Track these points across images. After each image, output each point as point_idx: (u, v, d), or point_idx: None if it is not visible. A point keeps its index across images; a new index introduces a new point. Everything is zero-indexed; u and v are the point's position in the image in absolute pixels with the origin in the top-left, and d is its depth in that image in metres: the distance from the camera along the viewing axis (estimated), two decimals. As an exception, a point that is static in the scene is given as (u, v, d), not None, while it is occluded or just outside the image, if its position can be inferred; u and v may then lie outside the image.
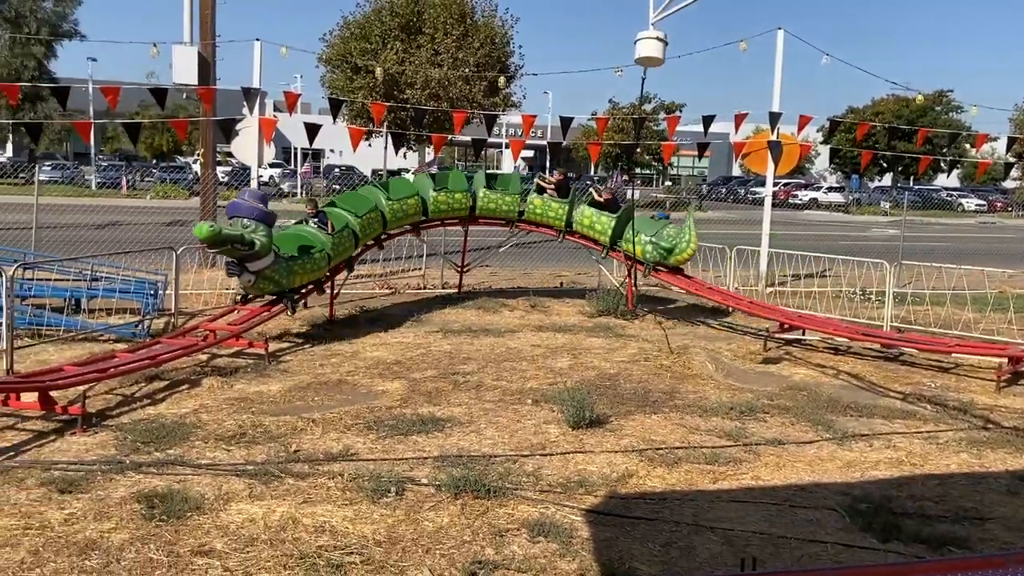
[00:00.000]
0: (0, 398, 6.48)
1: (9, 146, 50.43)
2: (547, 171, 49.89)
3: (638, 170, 65.65)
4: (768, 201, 15.58)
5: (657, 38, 7.02)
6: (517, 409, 7.39)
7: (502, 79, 29.77)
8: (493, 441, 6.53)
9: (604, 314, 12.05)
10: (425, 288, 14.21)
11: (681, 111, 53.43)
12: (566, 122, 14.14)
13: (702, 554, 4.72)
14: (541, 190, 12.43)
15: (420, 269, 15.52)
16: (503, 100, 35.52)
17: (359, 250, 11.21)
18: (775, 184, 16.26)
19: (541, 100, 62.56)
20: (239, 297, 10.00)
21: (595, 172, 61.46)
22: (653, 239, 11.66)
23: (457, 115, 15.10)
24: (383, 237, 11.83)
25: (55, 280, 10.51)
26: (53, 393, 6.54)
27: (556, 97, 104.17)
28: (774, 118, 14.18)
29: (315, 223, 10.23)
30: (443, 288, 14.19)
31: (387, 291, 13.79)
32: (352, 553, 4.52)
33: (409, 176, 13.35)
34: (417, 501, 5.26)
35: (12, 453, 5.84)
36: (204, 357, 8.78)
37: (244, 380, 7.97)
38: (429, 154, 45.80)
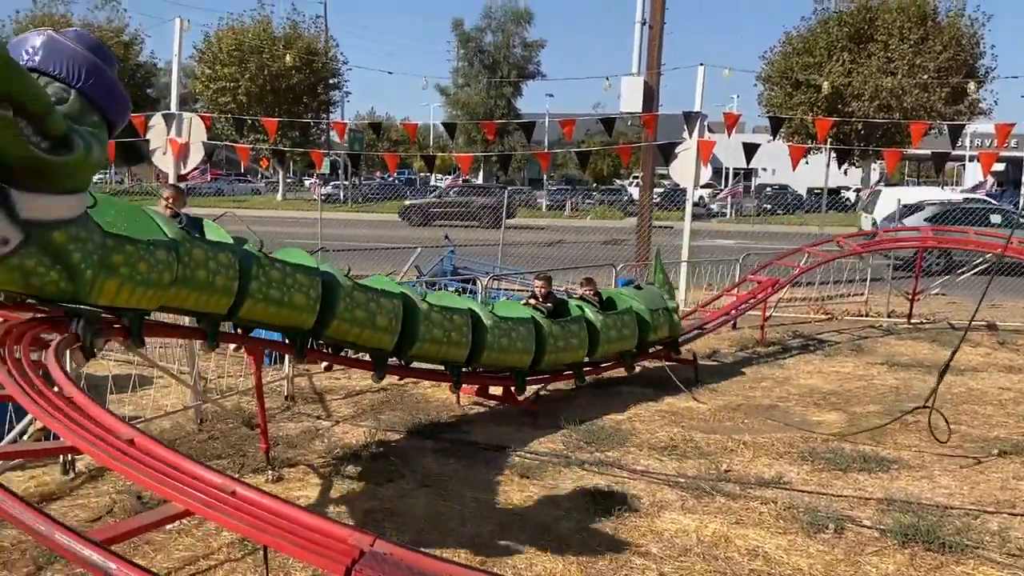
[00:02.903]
0: (475, 388, 7.60)
1: (481, 174, 58.94)
2: (1020, 187, 42.85)
3: None
4: None
5: None
6: (978, 458, 6.46)
7: (972, 84, 26.32)
8: (949, 491, 5.79)
9: (1100, 358, 9.95)
10: (867, 315, 13.16)
11: None
12: (1055, 129, 12.00)
13: None
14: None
15: (862, 294, 14.43)
16: (968, 108, 31.52)
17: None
18: None
19: (1018, 105, 53.84)
20: None
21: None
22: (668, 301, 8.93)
23: (915, 127, 13.70)
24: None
25: (516, 290, 11.97)
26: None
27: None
28: None
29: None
30: (888, 316, 13.01)
31: (823, 316, 13.08)
32: (785, 584, 4.36)
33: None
34: (858, 543, 4.88)
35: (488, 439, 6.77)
36: (637, 369, 9.19)
37: (673, 395, 8.19)
38: (875, 170, 42.51)
